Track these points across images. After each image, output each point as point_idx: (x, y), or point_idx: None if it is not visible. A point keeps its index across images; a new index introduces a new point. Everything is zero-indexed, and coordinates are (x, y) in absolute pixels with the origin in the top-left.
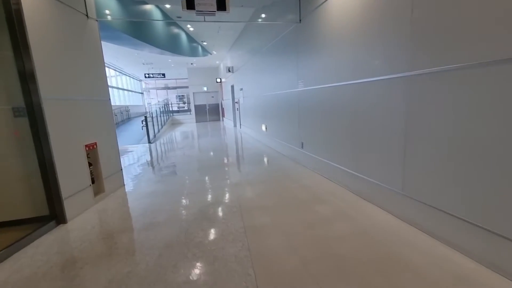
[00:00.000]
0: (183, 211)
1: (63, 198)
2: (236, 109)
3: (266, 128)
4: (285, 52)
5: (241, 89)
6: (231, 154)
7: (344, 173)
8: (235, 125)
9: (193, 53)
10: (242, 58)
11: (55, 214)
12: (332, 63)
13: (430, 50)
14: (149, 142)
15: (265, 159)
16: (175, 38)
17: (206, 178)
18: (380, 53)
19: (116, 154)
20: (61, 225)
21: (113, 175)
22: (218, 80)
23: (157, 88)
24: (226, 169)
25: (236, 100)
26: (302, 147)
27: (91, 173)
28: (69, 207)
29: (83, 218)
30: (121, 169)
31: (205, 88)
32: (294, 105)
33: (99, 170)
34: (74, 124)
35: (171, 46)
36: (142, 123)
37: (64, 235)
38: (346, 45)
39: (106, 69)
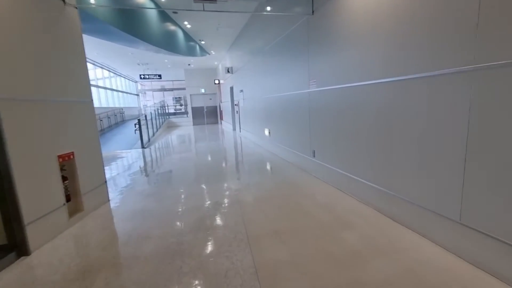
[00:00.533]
0: (175, 239)
1: (25, 223)
2: (235, 112)
3: (269, 132)
4: (293, 49)
5: (241, 91)
6: (232, 161)
7: (370, 189)
8: (234, 129)
9: (190, 52)
10: (242, 59)
11: (15, 244)
12: (354, 59)
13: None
14: (143, 147)
15: (271, 168)
16: (171, 36)
17: (204, 191)
18: (427, 43)
19: (99, 165)
20: (23, 257)
21: (96, 189)
22: (216, 81)
23: (154, 90)
24: (227, 180)
25: (235, 103)
26: (314, 155)
27: (66, 189)
28: (33, 233)
29: (51, 247)
30: (105, 182)
31: (202, 90)
32: (303, 107)
33: (76, 185)
34: (43, 131)
35: (167, 44)
36: (135, 127)
37: (24, 274)
38: (375, 36)
39: (99, 70)
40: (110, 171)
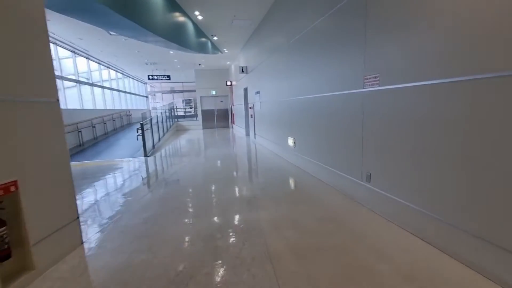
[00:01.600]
0: None
1: None
2: (249, 115)
3: (294, 142)
4: (336, 37)
5: (257, 93)
6: (251, 178)
7: (485, 247)
8: (247, 134)
9: (201, 49)
10: (259, 56)
11: None
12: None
13: None
14: (146, 155)
15: (301, 191)
16: (181, 28)
17: (216, 234)
18: None
19: (67, 194)
20: None
21: (59, 231)
22: (228, 83)
23: (163, 92)
24: (246, 211)
25: (250, 105)
26: (369, 180)
27: (3, 239)
28: None
29: None
30: (78, 217)
31: (213, 92)
32: (351, 113)
33: (22, 230)
34: None
35: (177, 37)
36: (138, 132)
37: None
38: None
39: (106, 70)
40: (95, 192)
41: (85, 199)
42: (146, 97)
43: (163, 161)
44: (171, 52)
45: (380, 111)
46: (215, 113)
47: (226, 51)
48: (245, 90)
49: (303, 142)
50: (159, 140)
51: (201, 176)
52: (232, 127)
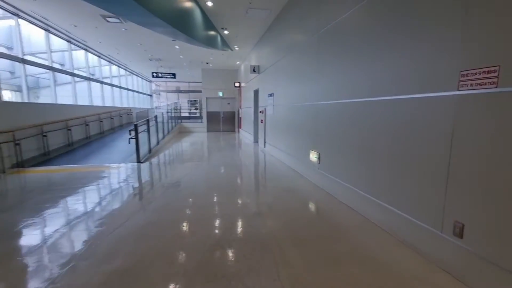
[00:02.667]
0: None
1: None
2: (259, 120)
3: (318, 158)
4: (393, 20)
5: (271, 95)
6: (265, 206)
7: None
8: (256, 141)
9: (210, 43)
10: (275, 54)
11: None
12: None
13: None
14: (139, 161)
15: (341, 236)
16: (188, 17)
17: None
18: None
19: None
20: None
21: None
22: (237, 84)
23: (168, 91)
24: (265, 274)
25: (260, 109)
26: (459, 234)
27: None
28: None
29: None
30: None
31: (220, 94)
32: (425, 130)
33: None
34: None
35: (183, 25)
36: (130, 134)
37: None
38: None
39: (108, 65)
40: (58, 215)
41: (35, 230)
42: (150, 95)
43: (157, 171)
44: (176, 47)
45: (494, 129)
46: (221, 115)
47: (236, 48)
48: (256, 92)
49: (331, 159)
50: (158, 143)
51: (200, 198)
52: (238, 131)
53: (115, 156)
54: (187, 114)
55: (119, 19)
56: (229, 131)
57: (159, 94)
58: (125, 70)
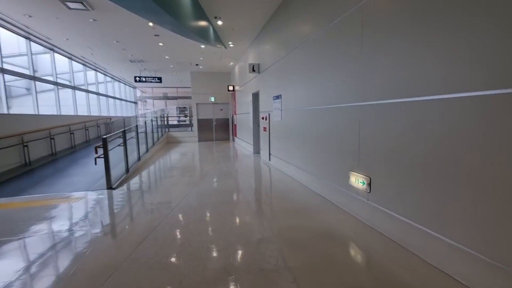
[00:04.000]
0: None
1: None
2: (261, 128)
3: (369, 184)
4: None
5: (277, 98)
6: (304, 261)
7: None
8: (256, 152)
9: (201, 34)
10: (285, 46)
11: None
12: None
13: None
14: (110, 187)
15: None
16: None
17: None
18: None
19: None
20: None
21: None
22: (231, 88)
23: (154, 98)
24: None
25: (262, 115)
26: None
27: None
28: None
29: None
30: None
31: (212, 99)
32: None
33: None
34: None
35: (169, 7)
36: (96, 152)
37: None
38: None
39: (82, 69)
40: None
41: None
42: (135, 103)
43: (133, 202)
44: (160, 44)
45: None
46: (214, 123)
47: (231, 45)
48: (255, 95)
49: (396, 188)
50: (139, 159)
51: (193, 253)
52: (233, 140)
53: (83, 179)
54: (175, 122)
55: (83, 3)
56: (223, 139)
57: (145, 101)
58: (104, 75)
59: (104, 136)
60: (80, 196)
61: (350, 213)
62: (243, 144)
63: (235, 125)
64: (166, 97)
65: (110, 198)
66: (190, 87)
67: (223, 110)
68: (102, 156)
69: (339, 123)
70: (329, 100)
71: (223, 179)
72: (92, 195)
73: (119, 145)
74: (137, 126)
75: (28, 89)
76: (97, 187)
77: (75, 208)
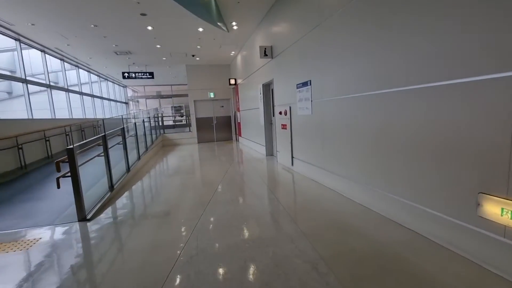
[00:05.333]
0: None
1: None
2: (278, 125)
3: None
4: None
5: (304, 85)
6: None
7: None
8: (269, 154)
9: (200, 10)
10: (315, 17)
11: None
12: None
13: None
14: (83, 218)
15: None
16: None
17: None
18: None
19: None
20: None
21: None
22: (232, 81)
23: (147, 97)
24: None
25: (280, 109)
26: None
27: None
28: None
29: None
30: None
31: (211, 95)
32: None
33: None
34: None
35: None
36: (59, 170)
37: None
38: None
39: (59, 65)
40: None
41: None
42: (126, 103)
43: (112, 247)
44: (149, 28)
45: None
46: (214, 121)
47: (234, 26)
48: (266, 86)
49: None
50: (128, 170)
51: None
52: (237, 140)
53: (50, 205)
54: (171, 123)
55: None
56: (225, 139)
57: (137, 101)
58: (89, 72)
59: (70, 147)
60: (36, 236)
61: (477, 262)
62: (250, 144)
63: (239, 123)
64: (160, 96)
65: (78, 240)
66: (185, 84)
67: (224, 107)
68: (69, 175)
69: (456, 111)
70: (427, 76)
71: (240, 197)
72: (54, 234)
73: (99, 155)
74: (123, 129)
75: None
76: (66, 218)
77: (18, 263)
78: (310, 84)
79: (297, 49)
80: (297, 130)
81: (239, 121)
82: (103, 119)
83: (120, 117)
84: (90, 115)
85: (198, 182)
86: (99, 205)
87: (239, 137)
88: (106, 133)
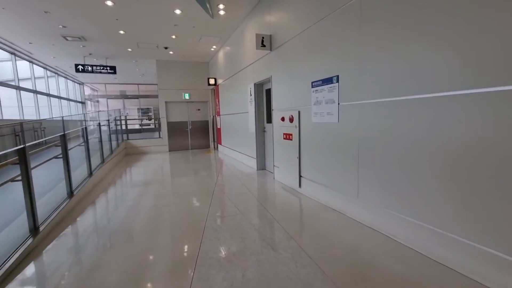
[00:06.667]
0: None
1: None
2: (279, 135)
3: None
4: None
5: (327, 83)
6: None
7: None
8: (262, 168)
9: None
10: None
11: None
12: None
13: None
14: None
15: None
16: None
17: None
18: None
19: None
20: None
21: None
22: (212, 81)
23: (109, 97)
24: None
25: (284, 115)
26: None
27: None
28: None
29: None
30: None
31: (186, 96)
32: None
33: None
34: None
35: None
36: None
37: None
38: None
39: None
40: None
41: None
42: (82, 103)
43: None
44: (109, 3)
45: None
46: (189, 126)
47: (221, 12)
48: (259, 85)
49: None
50: (71, 194)
51: None
52: (216, 148)
53: None
54: (138, 127)
55: None
56: (202, 147)
57: (97, 101)
58: (30, 62)
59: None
60: None
61: None
62: (233, 155)
63: (219, 129)
64: (124, 96)
65: None
66: (155, 84)
67: (201, 111)
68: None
69: None
70: None
71: (246, 248)
72: None
73: (14, 180)
74: (64, 136)
75: None
76: None
77: None
78: (337, 81)
79: (313, 34)
80: (309, 142)
81: (218, 126)
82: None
83: (61, 118)
84: (32, 116)
85: (175, 216)
86: (11, 258)
87: (219, 145)
88: (25, 145)
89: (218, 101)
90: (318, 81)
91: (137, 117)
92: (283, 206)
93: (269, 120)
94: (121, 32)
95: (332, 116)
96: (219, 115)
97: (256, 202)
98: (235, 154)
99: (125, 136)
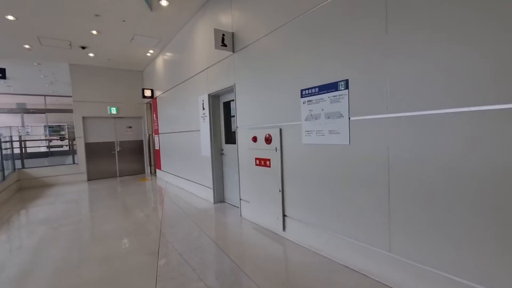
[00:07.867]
0: None
1: None
2: (250, 159)
3: None
4: None
5: (330, 90)
6: None
7: None
8: (220, 200)
9: None
10: None
11: None
12: None
13: None
14: None
15: None
16: None
17: None
18: None
19: None
20: None
21: None
22: (148, 93)
23: (1, 111)
24: None
25: (259, 134)
26: None
27: None
28: None
29: None
30: None
31: (113, 110)
32: None
33: None
34: None
35: None
36: None
37: None
38: None
39: None
40: None
41: None
42: None
43: None
44: None
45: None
46: (117, 148)
47: (164, 2)
48: (214, 97)
49: None
50: None
51: None
52: (153, 174)
53: None
54: (45, 149)
55: None
56: (135, 173)
57: None
58: None
59: None
60: None
61: None
62: (178, 182)
63: (158, 150)
64: (24, 110)
65: None
66: (70, 96)
67: (133, 128)
68: None
69: None
70: None
71: None
72: None
73: None
74: None
75: None
76: None
77: None
78: (347, 87)
79: (303, 28)
80: (298, 169)
81: (157, 148)
82: None
83: None
84: None
85: None
86: None
87: (158, 170)
88: None
89: (157, 117)
90: (312, 88)
91: (43, 137)
92: (269, 266)
93: (229, 140)
94: (10, 17)
95: (339, 135)
96: (157, 133)
97: (229, 262)
98: (182, 182)
99: (19, 163)
